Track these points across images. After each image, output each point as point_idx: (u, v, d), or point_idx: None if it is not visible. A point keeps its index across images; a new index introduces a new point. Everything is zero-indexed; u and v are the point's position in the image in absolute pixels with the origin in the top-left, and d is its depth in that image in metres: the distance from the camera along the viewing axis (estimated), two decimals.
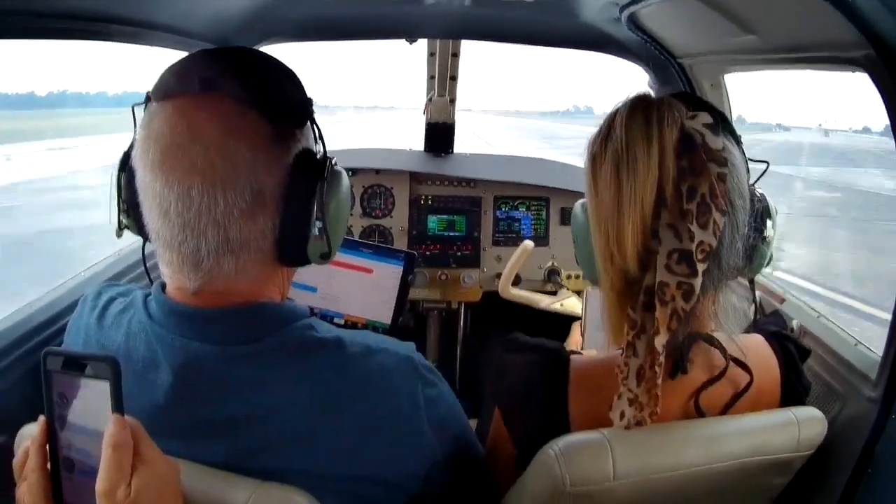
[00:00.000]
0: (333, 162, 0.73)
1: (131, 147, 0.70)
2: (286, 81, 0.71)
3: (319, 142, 0.75)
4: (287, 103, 0.70)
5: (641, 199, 0.74)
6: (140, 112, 0.70)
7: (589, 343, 1.34)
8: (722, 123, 0.79)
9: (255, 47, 1.65)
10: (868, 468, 0.84)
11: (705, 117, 0.75)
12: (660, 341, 0.73)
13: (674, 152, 0.74)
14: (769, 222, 0.84)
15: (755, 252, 0.84)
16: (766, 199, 0.85)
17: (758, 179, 0.87)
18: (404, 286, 1.49)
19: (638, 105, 0.77)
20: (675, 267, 0.73)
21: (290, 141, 0.70)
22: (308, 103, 0.72)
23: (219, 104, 0.65)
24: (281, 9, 1.50)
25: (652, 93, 0.81)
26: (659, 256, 0.74)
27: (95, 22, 1.06)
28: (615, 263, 0.78)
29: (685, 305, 0.73)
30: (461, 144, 2.16)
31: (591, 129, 0.83)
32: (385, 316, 1.50)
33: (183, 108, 0.65)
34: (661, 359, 0.74)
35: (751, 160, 0.84)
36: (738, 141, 0.82)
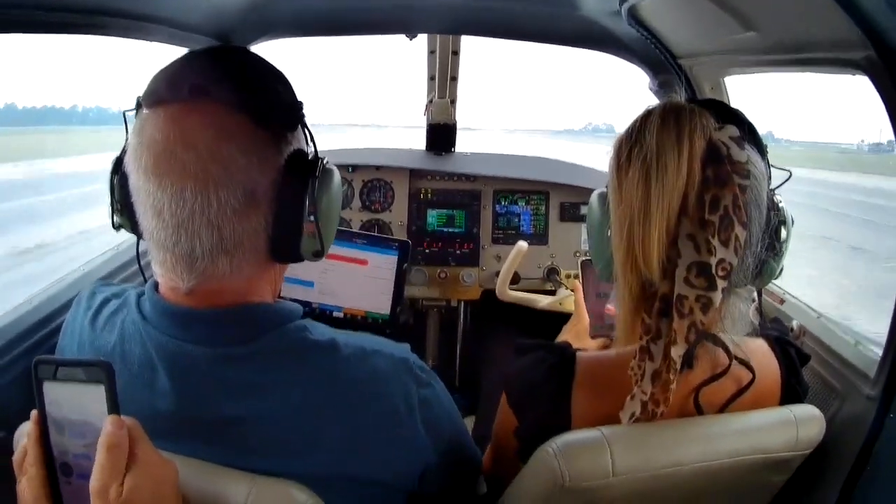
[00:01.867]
0: (325, 161, 0.73)
1: (123, 152, 0.70)
2: (277, 84, 0.71)
3: (311, 143, 0.75)
4: (278, 107, 0.70)
5: (668, 206, 0.75)
6: (131, 117, 0.70)
7: (590, 312, 1.30)
8: (749, 135, 0.79)
9: (254, 42, 1.65)
10: (867, 466, 0.84)
11: (732, 130, 0.77)
12: (676, 351, 0.75)
13: (700, 162, 0.75)
14: (783, 233, 0.83)
15: (765, 267, 0.83)
16: (783, 210, 0.83)
17: (780, 185, 0.86)
18: (400, 275, 1.50)
19: (670, 113, 0.78)
20: (694, 280, 0.74)
21: (281, 144, 0.70)
22: (299, 106, 0.72)
23: (210, 110, 0.65)
24: (280, 3, 1.49)
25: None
26: (678, 269, 0.75)
27: (93, 15, 1.05)
28: (636, 270, 0.79)
29: (703, 318, 0.75)
30: None
31: None
32: (384, 306, 1.51)
33: (174, 115, 0.64)
34: (678, 366, 0.75)
35: (774, 167, 0.85)
36: (762, 152, 0.82)
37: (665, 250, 0.76)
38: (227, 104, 0.65)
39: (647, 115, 0.80)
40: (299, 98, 0.73)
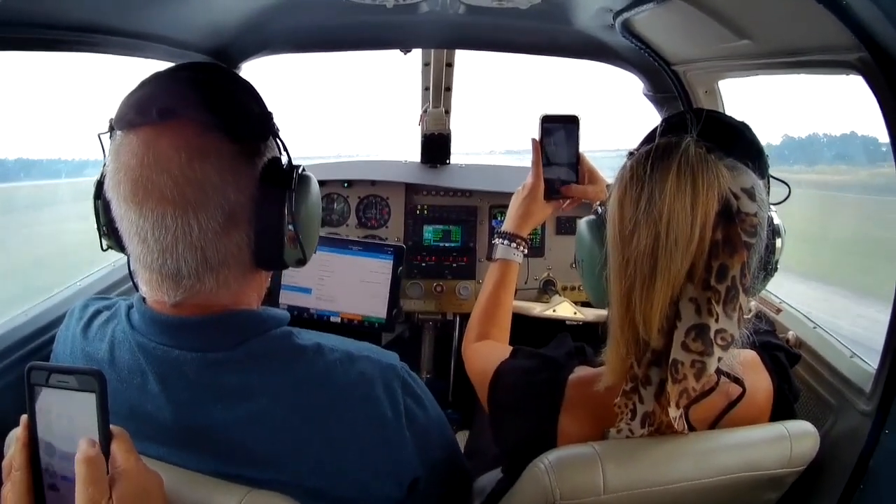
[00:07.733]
0: (300, 170, 0.73)
1: (103, 176, 0.70)
2: (245, 97, 0.72)
3: (284, 152, 0.75)
4: (249, 120, 0.70)
5: (675, 277, 0.72)
6: (106, 139, 0.70)
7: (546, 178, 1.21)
8: (753, 155, 0.78)
9: (250, 59, 1.67)
10: (861, 483, 0.82)
11: (744, 179, 0.73)
12: (672, 413, 0.75)
13: (712, 224, 0.71)
14: (778, 244, 0.81)
15: (759, 281, 0.80)
16: (776, 226, 0.81)
17: (780, 202, 0.85)
18: (395, 279, 1.53)
19: (686, 174, 0.72)
20: (692, 344, 0.72)
21: (255, 157, 0.70)
22: (269, 117, 0.72)
23: (181, 131, 0.65)
24: (277, 20, 1.50)
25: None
26: (677, 331, 0.73)
27: (90, 33, 1.06)
28: (633, 328, 0.76)
29: (696, 385, 0.73)
30: None
31: None
32: (380, 310, 1.55)
33: (146, 138, 0.65)
34: (680, 424, 0.76)
35: (773, 177, 0.84)
36: (764, 170, 0.80)
37: (665, 312, 0.73)
38: (197, 123, 0.65)
39: (660, 158, 0.74)
40: (270, 109, 0.73)
